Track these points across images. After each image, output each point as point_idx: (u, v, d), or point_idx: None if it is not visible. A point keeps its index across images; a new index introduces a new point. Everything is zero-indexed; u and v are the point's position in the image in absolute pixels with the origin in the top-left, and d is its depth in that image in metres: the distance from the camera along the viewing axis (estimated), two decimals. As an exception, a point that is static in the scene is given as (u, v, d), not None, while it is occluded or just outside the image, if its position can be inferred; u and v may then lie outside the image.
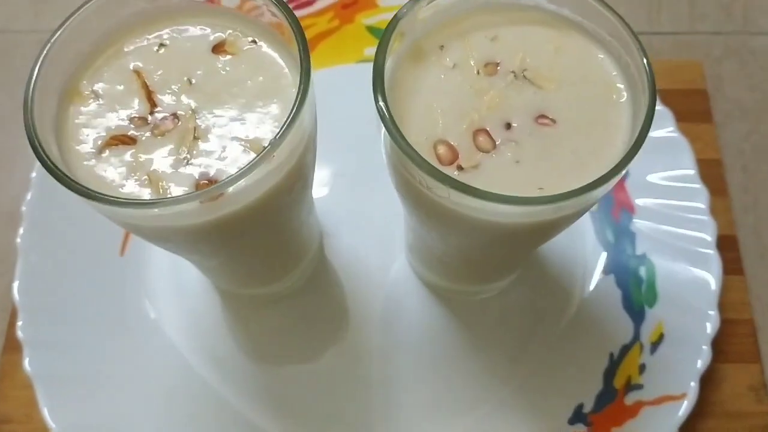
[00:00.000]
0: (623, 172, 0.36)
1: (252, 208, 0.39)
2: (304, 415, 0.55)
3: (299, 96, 0.37)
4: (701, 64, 0.70)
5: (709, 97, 0.69)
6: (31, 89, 0.38)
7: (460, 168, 0.38)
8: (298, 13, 0.41)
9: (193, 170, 0.38)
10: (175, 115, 0.40)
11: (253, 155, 0.38)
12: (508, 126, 0.40)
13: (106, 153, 0.39)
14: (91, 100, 0.41)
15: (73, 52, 0.41)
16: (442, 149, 0.39)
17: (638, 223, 0.60)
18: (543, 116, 0.40)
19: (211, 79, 0.41)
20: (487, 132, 0.39)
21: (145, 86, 0.41)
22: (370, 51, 0.66)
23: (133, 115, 0.40)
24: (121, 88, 0.41)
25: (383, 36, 0.39)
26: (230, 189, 0.36)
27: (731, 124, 0.69)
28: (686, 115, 0.64)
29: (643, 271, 0.58)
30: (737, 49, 0.73)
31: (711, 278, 0.56)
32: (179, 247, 0.44)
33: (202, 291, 0.59)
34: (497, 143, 0.39)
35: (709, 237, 0.57)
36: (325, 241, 0.61)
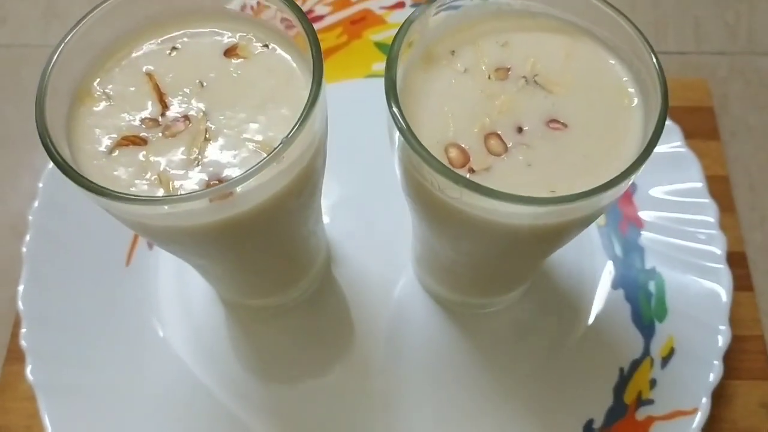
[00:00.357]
0: (636, 174, 0.36)
1: (261, 209, 0.39)
2: (311, 430, 0.54)
3: (311, 96, 0.37)
4: (707, 82, 0.71)
5: (715, 114, 0.69)
6: (43, 88, 0.38)
7: (471, 171, 0.38)
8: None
9: (204, 171, 0.38)
10: (186, 117, 0.40)
11: (263, 157, 0.37)
12: (520, 130, 0.40)
13: (117, 153, 0.39)
14: (103, 101, 0.41)
15: (86, 54, 0.41)
16: (453, 152, 0.39)
17: (647, 238, 0.59)
18: (554, 120, 0.40)
19: (222, 81, 0.41)
20: (498, 135, 0.39)
21: (157, 88, 0.41)
22: (378, 66, 0.68)
23: (144, 117, 0.40)
24: (132, 89, 0.41)
25: (395, 40, 0.39)
26: (240, 188, 0.35)
27: (737, 142, 0.69)
28: (693, 132, 0.64)
29: (652, 286, 0.58)
30: (742, 69, 0.74)
31: (722, 291, 0.56)
32: (187, 249, 0.44)
33: (208, 303, 0.58)
34: (509, 146, 0.39)
35: (718, 251, 0.57)
36: (332, 254, 0.61)
